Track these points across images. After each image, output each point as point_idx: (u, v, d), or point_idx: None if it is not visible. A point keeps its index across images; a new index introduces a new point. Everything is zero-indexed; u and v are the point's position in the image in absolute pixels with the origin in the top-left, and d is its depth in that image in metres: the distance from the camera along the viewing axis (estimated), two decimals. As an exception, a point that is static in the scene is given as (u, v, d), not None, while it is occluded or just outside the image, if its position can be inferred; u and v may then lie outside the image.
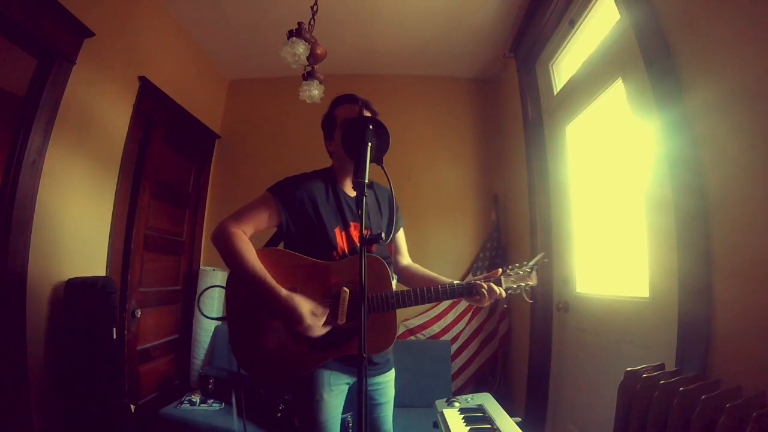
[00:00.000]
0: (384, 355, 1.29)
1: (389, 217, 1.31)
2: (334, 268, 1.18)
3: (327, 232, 1.20)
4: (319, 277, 1.17)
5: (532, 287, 1.23)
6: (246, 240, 1.16)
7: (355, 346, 1.12)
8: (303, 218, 1.20)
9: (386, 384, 1.33)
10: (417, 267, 1.43)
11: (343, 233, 1.23)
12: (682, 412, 1.01)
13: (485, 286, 1.17)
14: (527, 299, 1.25)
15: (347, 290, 1.13)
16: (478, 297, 1.18)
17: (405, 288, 1.23)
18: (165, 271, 2.78)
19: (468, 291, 1.18)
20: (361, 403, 0.83)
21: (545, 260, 1.29)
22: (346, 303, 1.12)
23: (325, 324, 1.13)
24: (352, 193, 1.29)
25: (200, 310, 1.53)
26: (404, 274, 1.42)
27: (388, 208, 1.33)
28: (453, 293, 1.19)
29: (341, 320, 1.13)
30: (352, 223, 1.25)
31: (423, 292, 1.17)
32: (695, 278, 1.23)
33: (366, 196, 0.95)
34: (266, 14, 2.61)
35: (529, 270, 1.23)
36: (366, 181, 0.96)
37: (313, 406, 1.18)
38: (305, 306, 1.09)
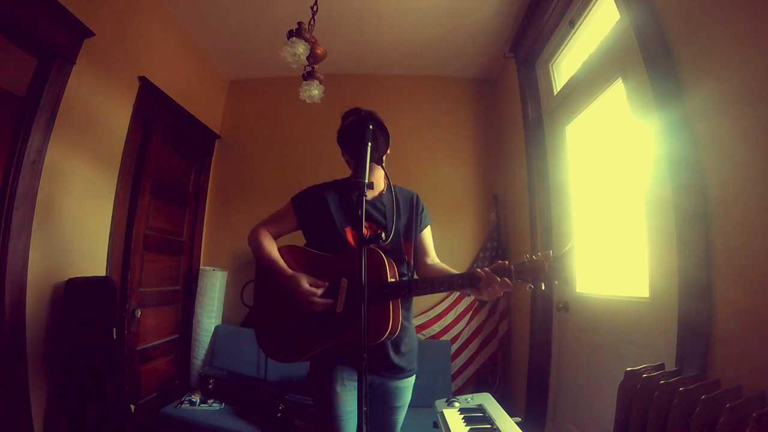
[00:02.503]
0: (408, 360, 1.30)
1: (408, 219, 1.35)
2: (337, 260, 1.24)
3: (337, 229, 1.27)
4: (323, 268, 1.25)
5: (557, 283, 1.06)
6: (268, 236, 1.33)
7: (352, 334, 1.16)
8: (315, 219, 1.31)
9: (405, 389, 1.33)
10: (437, 264, 1.38)
11: (354, 232, 1.28)
12: (682, 412, 1.01)
13: (485, 276, 1.07)
14: (549, 293, 1.10)
15: (346, 280, 1.19)
16: (479, 288, 1.09)
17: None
18: (165, 271, 2.78)
19: (469, 281, 1.11)
20: (361, 403, 0.83)
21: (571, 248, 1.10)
22: (345, 292, 1.19)
23: (326, 310, 1.19)
24: (369, 196, 1.33)
25: (242, 301, 1.67)
26: (425, 273, 1.38)
27: (408, 211, 1.36)
28: (450, 285, 1.15)
29: (339, 308, 1.19)
30: (366, 223, 1.24)
31: (418, 283, 1.16)
32: (695, 278, 1.23)
33: (366, 196, 0.96)
34: (266, 14, 2.61)
35: (554, 258, 1.04)
36: (365, 180, 0.97)
37: (327, 399, 1.20)
38: (304, 278, 1.20)
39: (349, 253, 1.24)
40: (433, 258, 1.43)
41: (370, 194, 1.33)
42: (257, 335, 1.33)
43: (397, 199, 1.36)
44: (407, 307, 1.30)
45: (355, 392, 1.22)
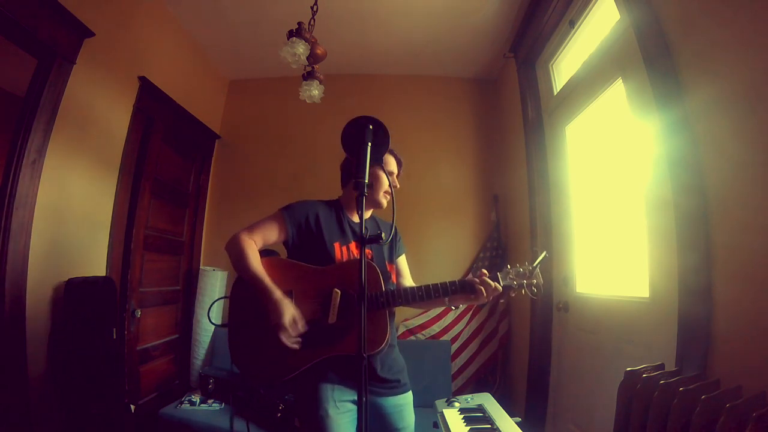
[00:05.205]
0: (395, 373, 1.29)
1: (390, 247, 1.41)
2: (328, 272, 1.24)
3: (326, 244, 1.27)
4: (313, 280, 1.23)
5: (537, 285, 1.23)
6: (253, 246, 1.26)
7: (346, 346, 1.16)
8: (307, 232, 1.30)
9: (404, 406, 1.30)
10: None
11: (344, 248, 1.30)
12: (682, 412, 1.01)
13: (479, 281, 1.19)
14: (531, 296, 1.24)
15: (338, 291, 1.19)
16: (473, 295, 1.20)
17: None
18: (165, 271, 2.78)
19: (461, 288, 1.21)
20: (361, 403, 0.83)
21: (546, 257, 1.29)
22: (337, 303, 1.18)
23: (316, 323, 1.18)
24: (356, 220, 1.36)
25: (209, 319, 1.57)
26: None
27: (390, 239, 1.41)
28: (445, 291, 1.21)
29: (332, 319, 1.17)
30: (353, 242, 1.32)
31: (414, 290, 1.21)
32: (695, 278, 1.23)
33: (366, 196, 0.96)
34: (266, 14, 2.61)
35: (531, 269, 1.23)
36: (366, 180, 0.97)
37: (320, 423, 1.15)
38: (289, 311, 1.14)
39: (341, 265, 1.25)
40: (410, 281, 1.50)
41: (358, 219, 1.33)
42: (234, 356, 1.24)
43: (378, 228, 1.45)
44: (393, 327, 1.31)
45: (350, 415, 1.19)
